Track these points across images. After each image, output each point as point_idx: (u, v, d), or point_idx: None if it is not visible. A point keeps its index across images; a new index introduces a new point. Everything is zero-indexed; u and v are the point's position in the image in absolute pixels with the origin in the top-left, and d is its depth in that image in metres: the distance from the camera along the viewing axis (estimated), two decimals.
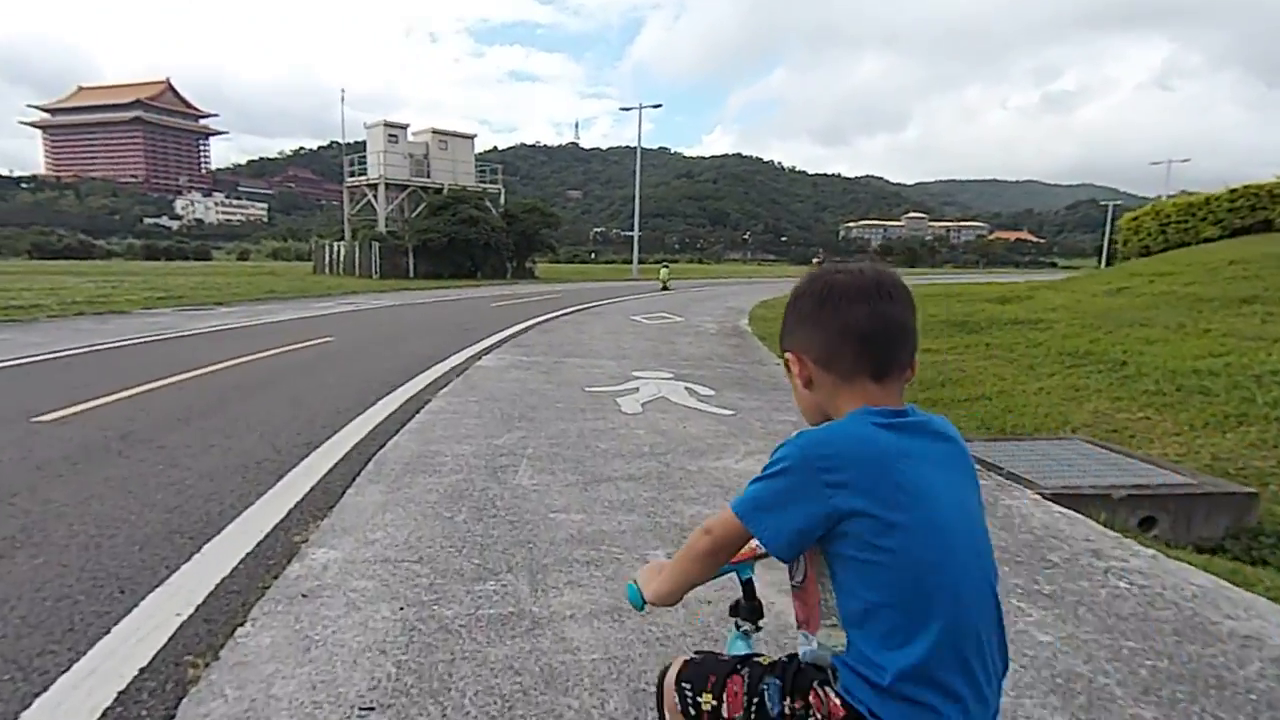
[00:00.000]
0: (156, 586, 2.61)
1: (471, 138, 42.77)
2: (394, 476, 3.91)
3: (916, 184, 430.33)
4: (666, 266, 28.69)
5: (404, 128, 39.10)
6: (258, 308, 16.13)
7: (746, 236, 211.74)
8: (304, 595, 2.55)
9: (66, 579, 2.67)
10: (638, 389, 6.72)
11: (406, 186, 38.68)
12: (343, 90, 42.28)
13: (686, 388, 6.85)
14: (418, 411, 5.50)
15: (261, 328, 11.93)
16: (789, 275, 57.01)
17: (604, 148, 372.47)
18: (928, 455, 1.01)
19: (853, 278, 1.06)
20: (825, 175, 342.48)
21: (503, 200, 42.40)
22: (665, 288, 27.00)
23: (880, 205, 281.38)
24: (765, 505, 1.00)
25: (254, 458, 4.24)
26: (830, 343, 1.05)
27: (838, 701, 1.00)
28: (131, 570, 2.75)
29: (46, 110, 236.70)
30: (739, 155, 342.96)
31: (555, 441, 4.73)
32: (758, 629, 1.26)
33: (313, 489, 3.69)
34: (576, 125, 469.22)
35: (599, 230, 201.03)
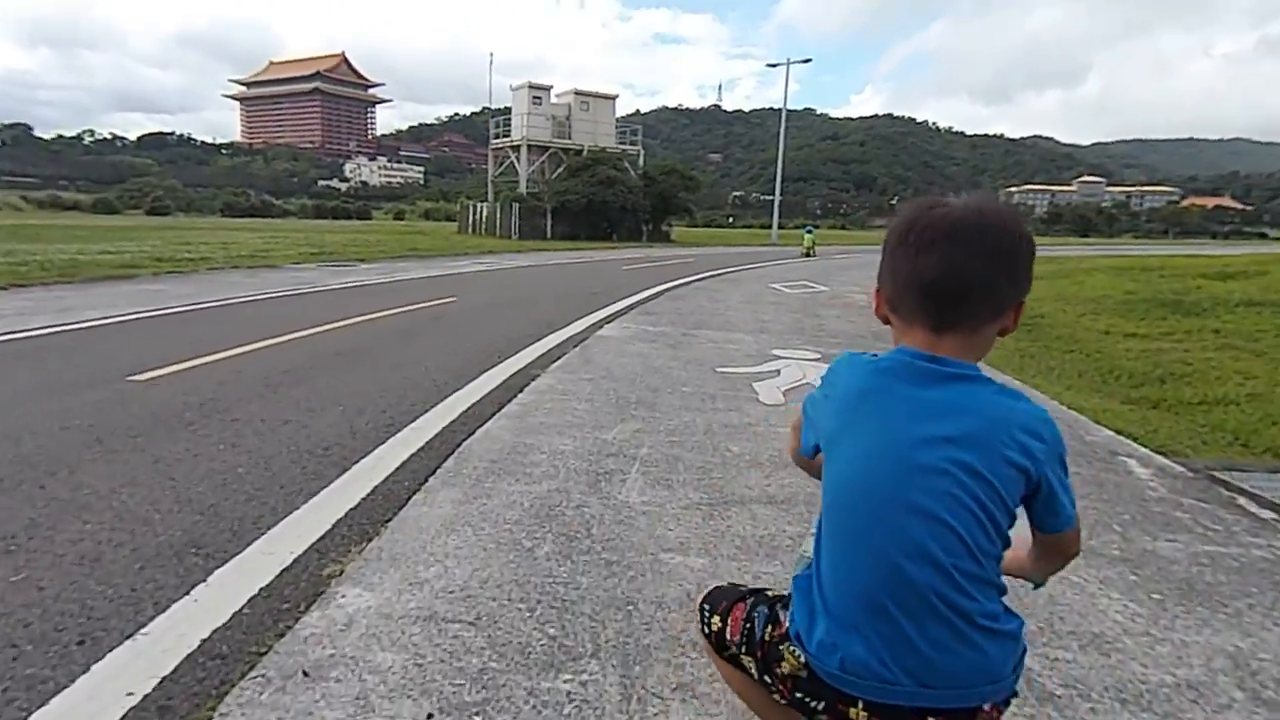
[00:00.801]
0: (127, 639, 1.95)
1: (613, 98, 42.16)
2: (474, 479, 3.15)
3: (1093, 144, 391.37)
4: (811, 231, 26.85)
5: (547, 89, 39.04)
6: (396, 265, 16.25)
7: (894, 202, 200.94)
8: (305, 673, 1.80)
9: (28, 615, 2.06)
10: (779, 372, 5.68)
11: (548, 148, 38.74)
12: (490, 53, 42.71)
13: None
14: (522, 389, 4.76)
15: (391, 285, 11.78)
16: None
17: (746, 110, 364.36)
18: (906, 401, 0.99)
19: (939, 217, 0.98)
20: (985, 136, 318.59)
21: (641, 162, 41.65)
22: (809, 254, 25.34)
23: (1049, 169, 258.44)
24: (806, 410, 1.15)
25: (324, 441, 3.63)
26: (898, 286, 1.03)
27: (785, 622, 1.11)
28: (109, 608, 2.10)
29: (243, 84, 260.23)
30: (890, 116, 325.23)
31: (676, 439, 3.82)
32: None
33: (373, 492, 2.99)
34: (720, 87, 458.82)
35: (738, 194, 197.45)
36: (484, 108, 44.39)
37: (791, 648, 1.07)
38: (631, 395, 4.72)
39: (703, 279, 14.49)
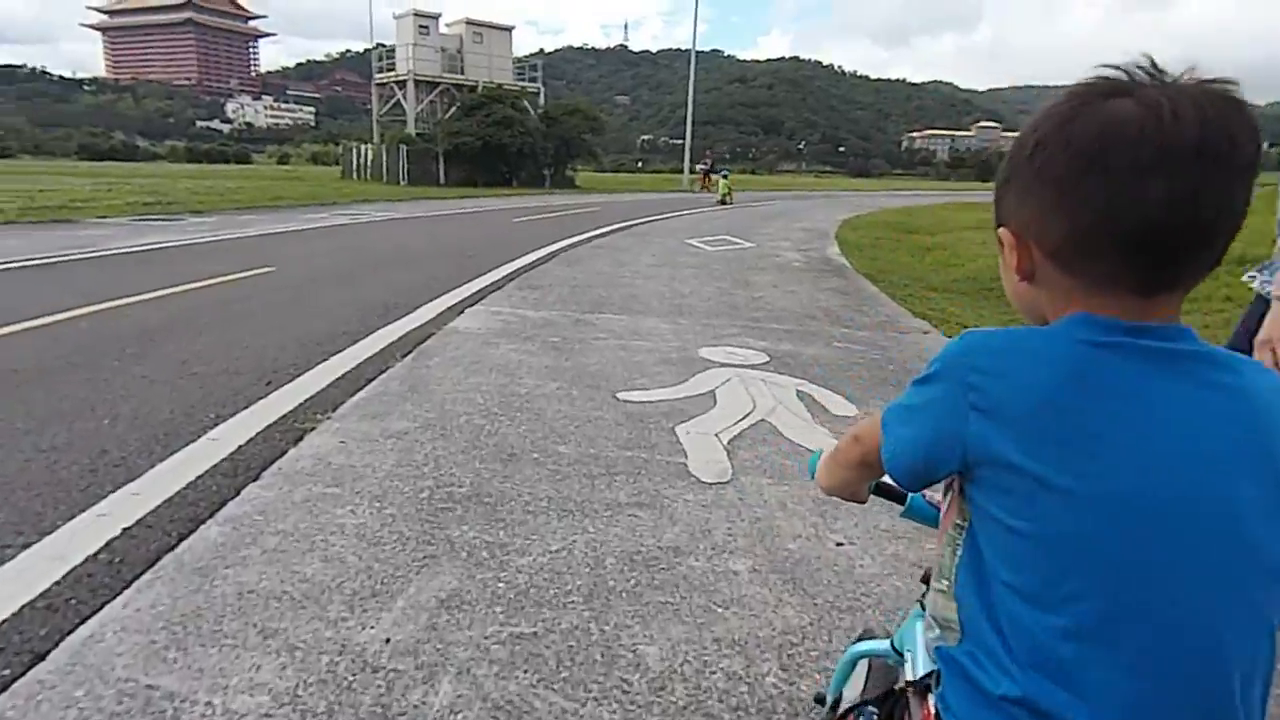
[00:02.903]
0: None
1: (509, 29, 38.60)
2: None
3: (989, 90, 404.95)
4: (726, 175, 24.84)
5: (435, 17, 35.15)
6: (240, 218, 13.33)
7: (802, 146, 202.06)
8: None
9: None
10: (713, 397, 3.70)
11: (438, 84, 35.06)
12: None
13: (802, 391, 3.82)
14: (238, 492, 2.54)
15: (205, 247, 9.12)
16: (855, 189, 52.10)
17: (654, 51, 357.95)
18: (1173, 401, 0.59)
19: (1156, 119, 0.56)
20: (888, 81, 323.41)
21: (543, 101, 38.52)
22: (724, 201, 23.39)
23: (949, 114, 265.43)
24: (901, 414, 0.71)
25: None
26: (1086, 235, 0.60)
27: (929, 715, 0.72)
28: None
29: (104, 12, 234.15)
30: (796, 59, 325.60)
31: (526, 629, 1.78)
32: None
33: None
34: (625, 26, 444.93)
35: (646, 138, 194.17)
36: (379, 44, 39.74)
37: None
38: (462, 479, 2.62)
39: (607, 233, 12.32)
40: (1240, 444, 0.60)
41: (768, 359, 4.48)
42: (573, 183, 37.96)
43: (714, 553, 2.18)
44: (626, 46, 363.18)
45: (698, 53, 39.18)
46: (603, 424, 3.22)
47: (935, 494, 0.84)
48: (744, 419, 3.37)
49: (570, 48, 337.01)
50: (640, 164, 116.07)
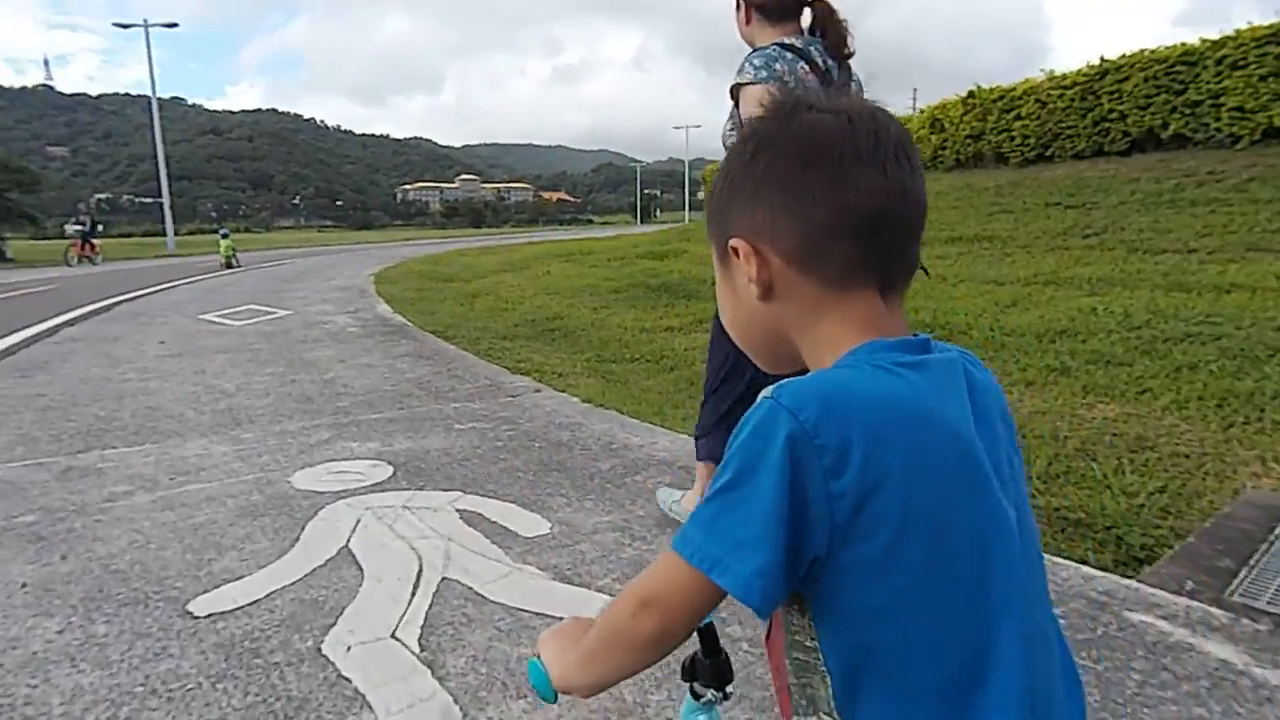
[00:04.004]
0: None
1: None
2: None
3: (464, 146, 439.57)
4: (227, 236, 21.27)
5: None
6: None
7: (297, 201, 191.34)
8: None
9: None
10: (352, 557, 2.49)
11: None
12: None
13: (465, 511, 2.84)
14: None
15: None
16: (363, 241, 50.34)
17: (94, 94, 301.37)
18: (956, 391, 0.62)
19: (850, 124, 0.62)
20: (373, 136, 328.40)
21: None
22: (230, 264, 20.02)
23: (434, 167, 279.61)
24: (732, 536, 0.55)
25: None
26: (819, 228, 0.62)
27: None
28: None
29: None
30: (274, 111, 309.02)
31: None
32: (725, 696, 0.75)
33: None
34: (46, 63, 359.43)
35: (103, 196, 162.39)
36: None
37: None
38: None
39: (79, 319, 9.14)
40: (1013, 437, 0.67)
41: (390, 469, 3.36)
42: (3, 255, 29.03)
43: None
44: (52, 87, 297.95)
45: (159, 100, 33.42)
46: (183, 683, 1.80)
47: None
48: (415, 589, 2.27)
49: None
50: (99, 227, 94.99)
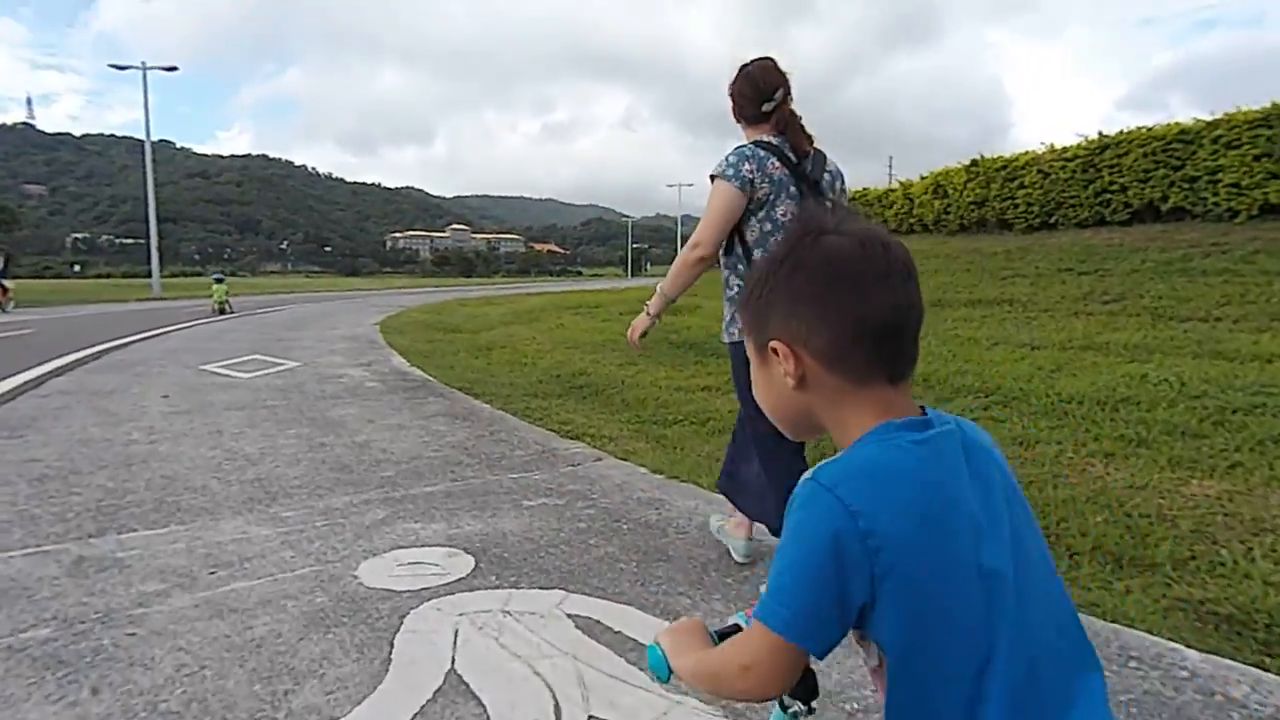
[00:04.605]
0: None
1: None
2: None
3: (455, 197, 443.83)
4: (221, 280, 20.68)
5: None
6: None
7: (284, 246, 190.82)
8: None
9: None
10: (468, 687, 1.97)
11: None
12: None
13: (577, 618, 2.35)
14: None
15: None
16: (355, 289, 50.03)
17: (77, 134, 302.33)
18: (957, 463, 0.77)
19: (863, 248, 0.78)
20: (365, 184, 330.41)
21: None
22: (223, 310, 19.44)
23: (425, 217, 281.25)
24: (795, 604, 0.72)
25: None
26: (843, 335, 0.78)
27: None
28: None
29: None
30: (264, 156, 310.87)
31: None
32: (810, 711, 0.87)
33: None
34: (29, 102, 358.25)
35: (80, 236, 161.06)
36: None
37: None
38: None
39: (67, 368, 8.54)
40: (1017, 495, 0.80)
41: (471, 559, 2.86)
42: None
43: None
44: (33, 125, 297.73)
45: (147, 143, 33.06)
46: None
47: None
48: None
49: None
50: (77, 267, 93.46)
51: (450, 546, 2.99)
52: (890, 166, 64.23)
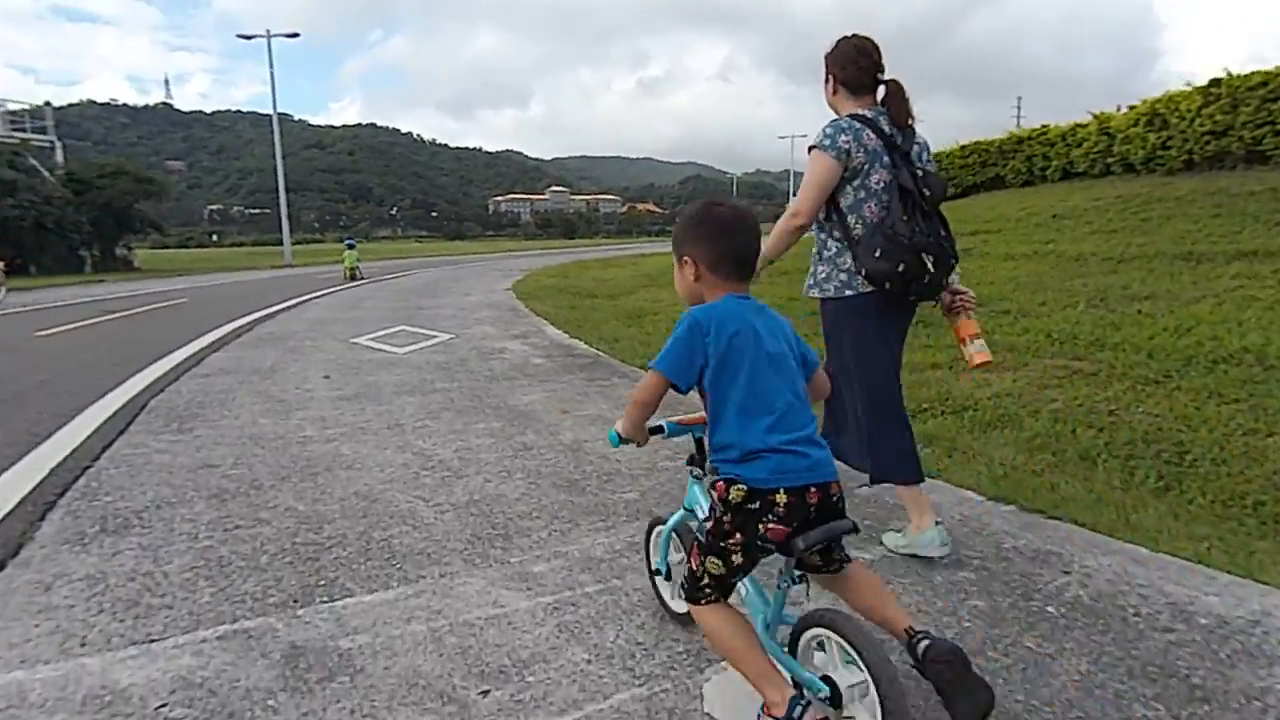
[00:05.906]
0: None
1: None
2: None
3: (554, 159, 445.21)
4: (353, 246, 20.71)
5: None
6: None
7: (394, 212, 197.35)
8: None
9: None
10: None
11: None
12: None
13: None
14: None
15: None
16: (465, 252, 50.40)
17: (208, 111, 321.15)
18: (761, 321, 1.62)
19: (732, 215, 1.66)
20: (466, 149, 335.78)
21: (61, 160, 29.61)
22: (354, 276, 19.44)
23: (525, 179, 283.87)
24: (671, 359, 1.58)
25: None
26: (721, 256, 1.65)
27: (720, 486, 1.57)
28: None
29: None
30: (374, 125, 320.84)
31: None
32: (706, 473, 1.81)
33: None
34: (166, 82, 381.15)
35: (215, 208, 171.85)
36: None
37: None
38: None
39: (221, 342, 8.15)
40: (783, 331, 1.66)
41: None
42: (130, 264, 29.77)
43: None
44: (171, 105, 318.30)
45: (266, 116, 33.78)
46: None
47: (672, 420, 1.88)
48: None
49: (92, 103, 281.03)
50: (214, 237, 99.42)
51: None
52: (1019, 109, 58.89)
